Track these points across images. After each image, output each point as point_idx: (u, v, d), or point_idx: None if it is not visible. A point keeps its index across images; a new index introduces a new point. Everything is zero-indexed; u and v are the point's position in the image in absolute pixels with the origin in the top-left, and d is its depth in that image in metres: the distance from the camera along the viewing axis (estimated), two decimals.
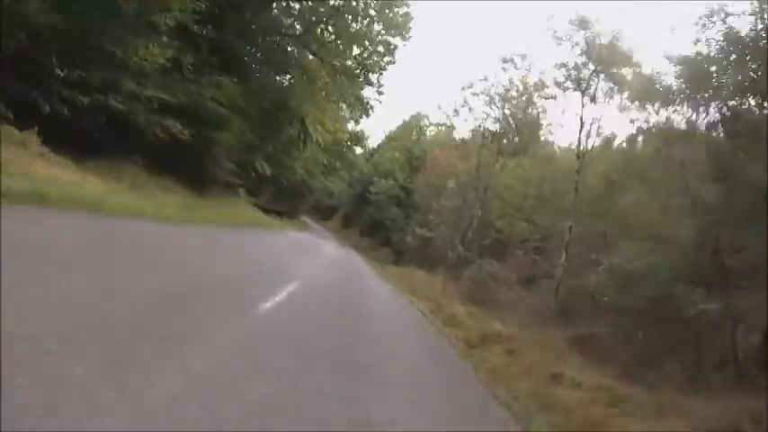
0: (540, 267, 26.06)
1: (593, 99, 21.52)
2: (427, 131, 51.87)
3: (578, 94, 22.52)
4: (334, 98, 26.45)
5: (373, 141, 65.11)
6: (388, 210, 46.39)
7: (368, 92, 27.13)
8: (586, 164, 21.73)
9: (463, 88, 30.47)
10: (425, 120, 51.84)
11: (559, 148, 31.56)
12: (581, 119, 21.08)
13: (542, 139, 31.03)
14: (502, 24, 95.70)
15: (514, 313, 16.34)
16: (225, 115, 16.31)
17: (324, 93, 25.55)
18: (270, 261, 12.94)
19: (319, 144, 28.00)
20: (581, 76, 21.15)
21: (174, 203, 13.72)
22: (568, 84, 22.92)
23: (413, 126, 54.06)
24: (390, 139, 57.49)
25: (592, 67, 21.70)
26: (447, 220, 31.49)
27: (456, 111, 31.03)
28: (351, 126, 42.07)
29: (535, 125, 29.71)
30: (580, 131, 21.11)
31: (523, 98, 28.04)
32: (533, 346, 11.89)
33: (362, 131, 50.69)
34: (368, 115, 29.54)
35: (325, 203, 72.75)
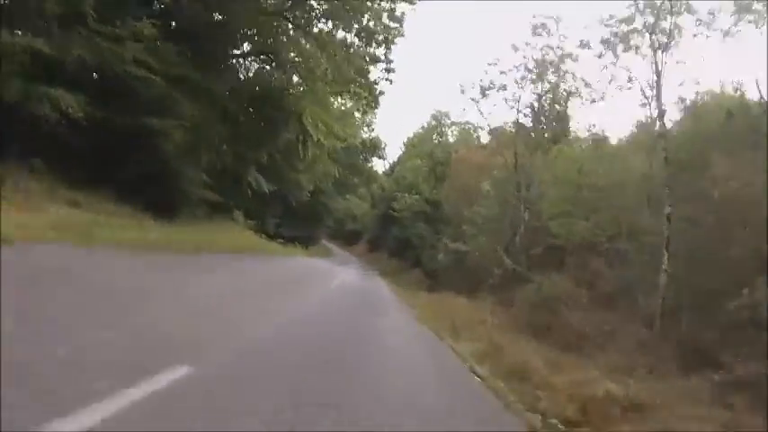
0: (608, 278, 20.43)
1: (661, 47, 16.19)
2: (449, 132, 46.41)
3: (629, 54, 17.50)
4: (337, 86, 21.70)
5: (392, 155, 60.59)
6: (415, 226, 41.10)
7: (375, 75, 22.59)
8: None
9: (489, 65, 27.38)
10: (446, 118, 46.37)
11: (602, 132, 26.45)
12: (655, 65, 15.67)
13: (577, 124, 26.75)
14: (518, 22, 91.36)
15: (606, 351, 10.86)
16: (163, 89, 11.41)
17: (324, 83, 20.92)
18: (175, 311, 6.38)
19: (322, 144, 23.16)
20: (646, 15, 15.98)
21: (72, 221, 9.01)
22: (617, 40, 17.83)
23: (433, 129, 48.58)
24: (410, 145, 52.18)
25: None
26: (485, 229, 26.02)
27: (483, 92, 26.11)
28: (365, 133, 37.57)
29: (564, 117, 25.32)
30: (657, 81, 15.70)
31: (561, 66, 23.27)
32: (678, 413, 6.57)
33: (378, 138, 46.08)
34: (377, 102, 24.71)
35: (349, 227, 68.90)
